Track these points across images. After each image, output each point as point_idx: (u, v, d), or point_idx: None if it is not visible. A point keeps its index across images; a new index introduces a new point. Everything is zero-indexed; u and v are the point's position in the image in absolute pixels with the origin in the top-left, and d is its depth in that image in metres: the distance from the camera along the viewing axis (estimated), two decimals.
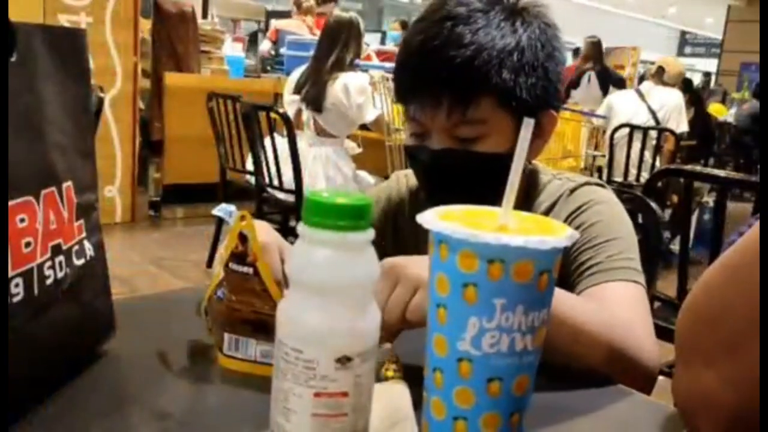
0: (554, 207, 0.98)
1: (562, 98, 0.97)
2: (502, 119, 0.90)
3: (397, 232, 1.10)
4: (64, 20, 3.89)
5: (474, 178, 0.91)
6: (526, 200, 0.99)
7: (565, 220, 0.93)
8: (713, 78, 13.78)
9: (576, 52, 10.40)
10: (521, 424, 0.53)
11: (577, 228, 0.90)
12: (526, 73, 0.88)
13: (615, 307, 0.83)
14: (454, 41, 0.87)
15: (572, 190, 0.98)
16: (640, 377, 0.76)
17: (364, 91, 3.06)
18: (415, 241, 1.01)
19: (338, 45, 3.10)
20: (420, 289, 0.66)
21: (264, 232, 0.76)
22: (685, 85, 5.63)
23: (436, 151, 0.91)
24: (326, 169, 3.12)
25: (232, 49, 5.45)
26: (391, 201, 1.11)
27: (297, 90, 3.19)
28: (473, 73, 0.87)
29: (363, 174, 3.28)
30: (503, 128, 0.90)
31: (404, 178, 1.12)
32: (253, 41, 7.24)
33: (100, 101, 1.85)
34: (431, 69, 0.89)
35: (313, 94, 3.09)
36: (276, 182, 2.98)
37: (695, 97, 6.12)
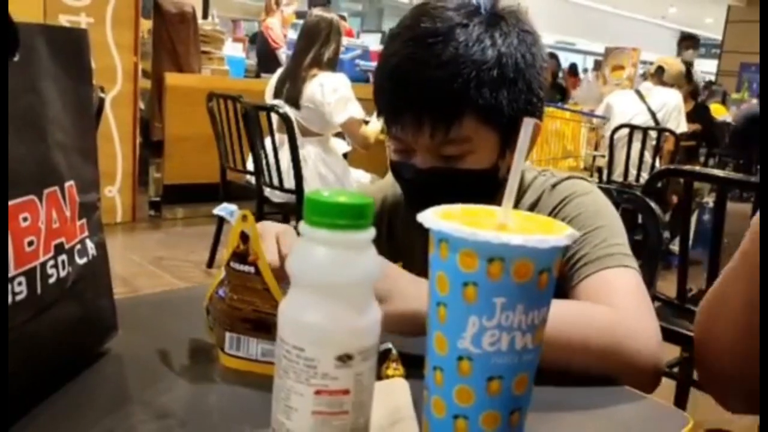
0: (538, 202, 0.98)
1: (545, 100, 0.96)
2: (486, 135, 0.89)
3: (392, 235, 1.07)
4: (64, 20, 3.89)
5: (461, 195, 0.90)
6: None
7: (549, 215, 0.93)
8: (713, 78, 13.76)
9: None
10: (521, 422, 0.53)
11: None
12: (507, 87, 0.87)
13: (607, 299, 0.81)
14: (431, 61, 0.85)
15: (554, 185, 0.98)
16: (644, 375, 0.75)
17: (337, 92, 2.99)
18: (409, 245, 0.99)
19: (317, 43, 3.08)
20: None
21: (263, 224, 0.76)
22: (688, 78, 5.52)
23: (422, 171, 0.90)
24: (317, 168, 3.09)
25: (232, 49, 5.45)
26: (385, 203, 1.08)
27: (277, 91, 3.15)
28: (453, 93, 0.85)
29: (357, 172, 3.27)
30: (488, 144, 0.90)
31: None
32: (253, 41, 7.23)
33: (101, 101, 1.85)
34: (409, 92, 0.87)
35: (291, 92, 3.06)
36: (276, 182, 2.98)
37: (694, 89, 6.00)
